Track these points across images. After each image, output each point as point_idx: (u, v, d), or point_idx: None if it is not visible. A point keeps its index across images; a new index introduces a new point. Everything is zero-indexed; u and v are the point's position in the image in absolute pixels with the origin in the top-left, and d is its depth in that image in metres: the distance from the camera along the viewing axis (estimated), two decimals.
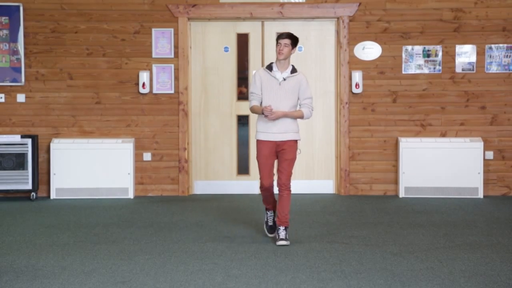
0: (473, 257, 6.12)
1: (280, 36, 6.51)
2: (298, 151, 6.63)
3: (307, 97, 6.57)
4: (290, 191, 6.57)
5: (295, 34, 6.75)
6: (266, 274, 5.59)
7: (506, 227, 7.44)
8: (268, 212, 6.86)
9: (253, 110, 6.65)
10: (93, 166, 9.30)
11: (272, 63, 6.62)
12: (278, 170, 6.57)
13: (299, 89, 6.55)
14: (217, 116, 9.68)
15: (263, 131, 6.56)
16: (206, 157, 9.72)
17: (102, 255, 6.23)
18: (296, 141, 6.60)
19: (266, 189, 6.61)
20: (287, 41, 6.47)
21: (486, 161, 9.39)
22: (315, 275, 5.60)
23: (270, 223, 6.87)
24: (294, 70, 6.60)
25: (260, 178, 6.63)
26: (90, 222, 7.75)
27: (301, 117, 6.57)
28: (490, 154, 9.44)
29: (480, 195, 9.25)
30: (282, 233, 6.56)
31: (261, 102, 6.57)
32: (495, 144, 9.47)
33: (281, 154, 6.57)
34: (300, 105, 6.61)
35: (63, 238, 6.92)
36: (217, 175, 9.73)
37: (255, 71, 6.71)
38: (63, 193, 9.32)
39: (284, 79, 6.52)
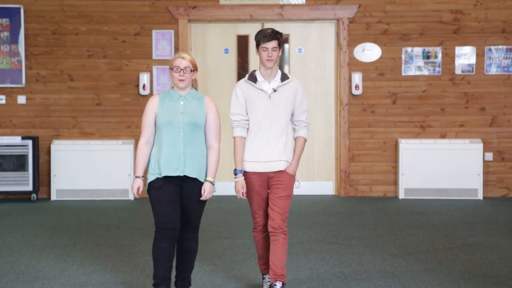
0: (472, 258, 6.14)
1: (264, 38, 4.99)
2: (296, 183, 5.18)
3: (304, 111, 5.12)
4: (286, 234, 5.06)
5: (279, 30, 5.16)
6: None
7: (506, 228, 7.45)
8: (265, 277, 5.23)
9: (235, 148, 5.11)
10: (93, 168, 9.31)
11: (254, 71, 5.13)
12: (270, 208, 5.07)
13: (294, 99, 5.08)
14: None
15: (249, 159, 5.07)
16: None
17: (103, 257, 6.25)
18: None
19: (261, 229, 5.11)
20: (275, 43, 4.99)
21: (485, 163, 9.40)
22: (315, 276, 5.61)
23: None
24: (284, 77, 5.10)
25: (254, 217, 5.12)
26: (91, 224, 7.76)
27: (304, 146, 5.16)
28: (489, 156, 9.45)
29: (480, 196, 9.26)
30: None
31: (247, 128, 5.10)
32: (494, 145, 9.48)
33: (274, 189, 5.05)
34: (293, 124, 5.15)
35: (64, 240, 6.94)
36: (217, 176, 9.72)
37: (236, 85, 5.18)
38: (64, 195, 9.33)
39: (275, 90, 5.04)
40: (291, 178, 5.09)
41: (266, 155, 5.03)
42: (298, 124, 5.13)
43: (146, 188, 4.94)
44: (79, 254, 6.32)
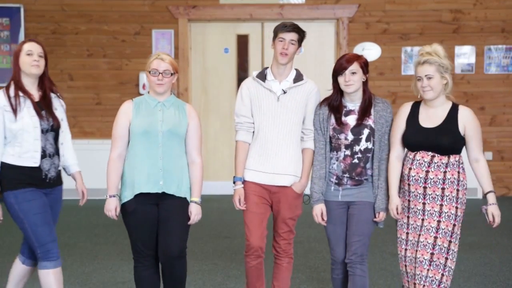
0: (472, 257, 6.14)
1: (284, 29, 4.36)
2: (305, 198, 4.56)
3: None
4: (292, 258, 4.66)
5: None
6: (266, 274, 5.61)
7: (505, 227, 7.45)
8: None
9: (236, 153, 4.49)
10: (93, 167, 9.30)
11: (266, 68, 4.52)
12: (274, 230, 4.57)
13: (307, 105, 4.49)
14: (217, 117, 9.70)
15: (251, 168, 4.44)
16: (206, 157, 9.73)
17: (103, 256, 6.26)
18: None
19: (254, 253, 4.53)
20: (294, 36, 4.37)
21: None
22: (315, 275, 5.62)
23: None
24: (299, 77, 4.52)
25: (247, 236, 4.53)
26: (91, 223, 7.77)
27: (312, 159, 4.44)
28: (489, 155, 9.46)
29: (479, 195, 9.27)
30: None
31: (253, 132, 4.47)
32: (494, 145, 9.49)
33: (279, 207, 4.47)
34: (301, 131, 4.48)
35: (64, 239, 6.94)
36: (217, 175, 9.75)
37: (243, 82, 4.57)
38: (64, 194, 9.28)
39: (284, 92, 4.44)
40: (298, 197, 4.46)
41: (271, 166, 4.39)
42: (307, 133, 4.46)
43: (120, 210, 4.39)
44: (79, 253, 6.33)
